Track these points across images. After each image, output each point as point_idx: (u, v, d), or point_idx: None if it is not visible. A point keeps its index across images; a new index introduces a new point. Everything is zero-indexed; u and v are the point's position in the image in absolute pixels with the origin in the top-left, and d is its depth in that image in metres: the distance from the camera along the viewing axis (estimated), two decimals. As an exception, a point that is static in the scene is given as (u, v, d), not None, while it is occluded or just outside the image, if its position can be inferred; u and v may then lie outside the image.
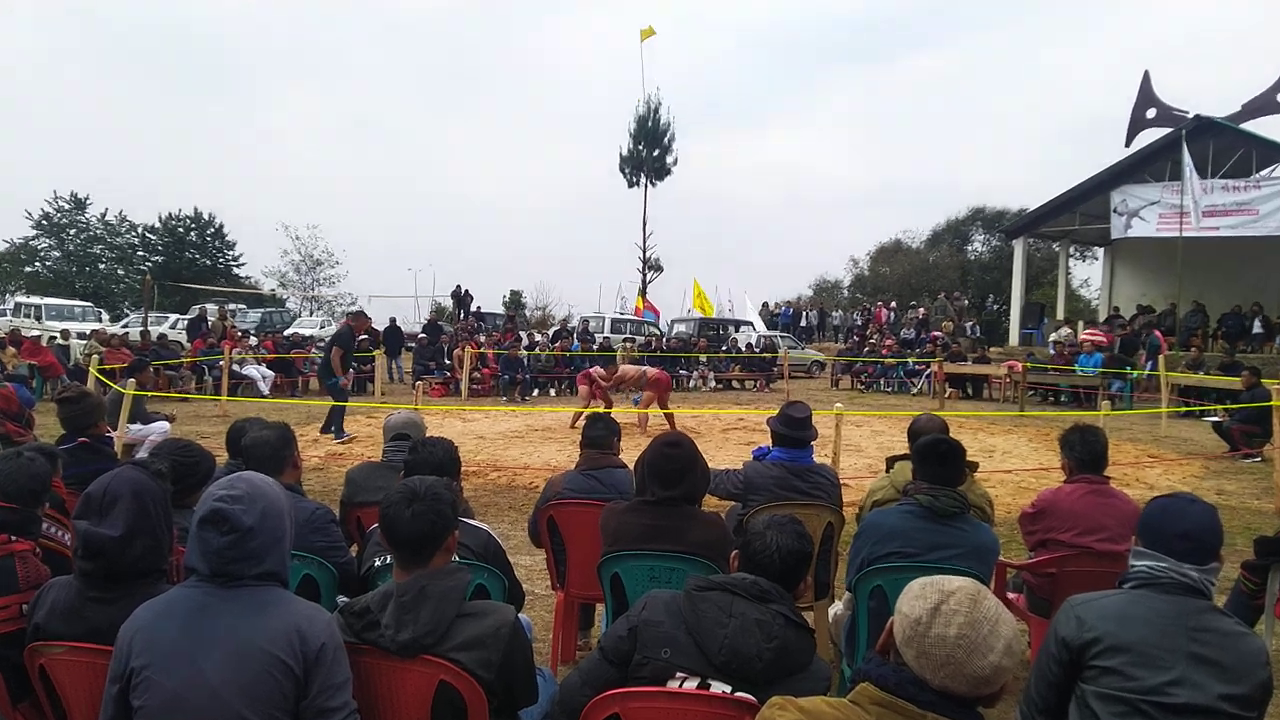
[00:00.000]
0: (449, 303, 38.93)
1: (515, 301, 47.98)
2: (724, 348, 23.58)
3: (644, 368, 12.31)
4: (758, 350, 22.68)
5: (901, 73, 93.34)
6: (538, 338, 22.58)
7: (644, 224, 45.61)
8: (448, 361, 18.96)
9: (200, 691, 1.98)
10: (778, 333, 27.91)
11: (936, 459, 3.22)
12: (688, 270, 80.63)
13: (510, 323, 26.14)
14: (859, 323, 31.46)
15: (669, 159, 45.31)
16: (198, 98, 74.36)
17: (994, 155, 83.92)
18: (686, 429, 12.02)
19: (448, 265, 78.40)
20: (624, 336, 25.46)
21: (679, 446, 3.15)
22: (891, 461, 4.06)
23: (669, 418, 12.07)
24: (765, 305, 34.69)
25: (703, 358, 21.55)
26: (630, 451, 10.14)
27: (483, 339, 22.15)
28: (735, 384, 21.91)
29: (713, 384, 20.77)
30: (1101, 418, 10.13)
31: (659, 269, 48.26)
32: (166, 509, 2.42)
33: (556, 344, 20.97)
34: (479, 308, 32.54)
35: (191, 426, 11.41)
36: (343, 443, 10.09)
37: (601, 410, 10.38)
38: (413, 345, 21.62)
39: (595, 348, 21.00)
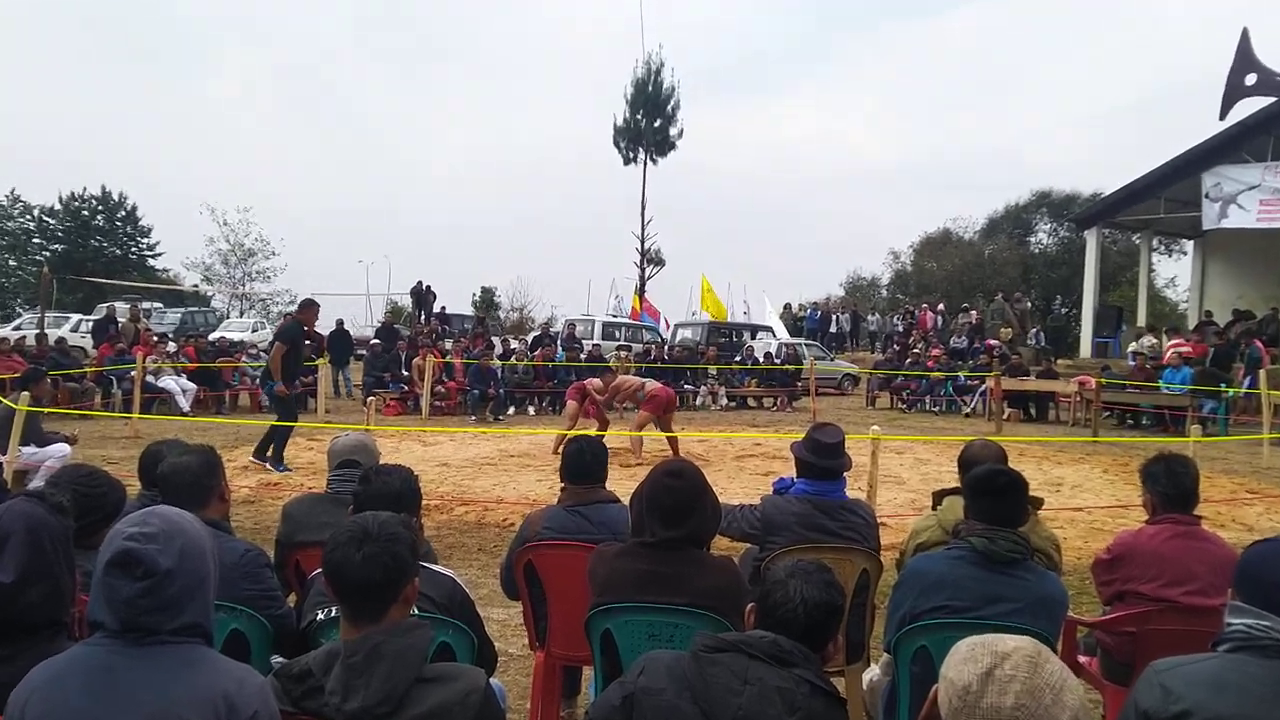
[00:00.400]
0: (407, 302, 39.05)
1: (487, 301, 48.14)
2: (738, 358, 23.61)
3: (644, 380, 12.32)
4: (778, 361, 22.75)
5: (949, 30, 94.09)
6: (514, 345, 22.60)
7: (643, 208, 45.88)
8: (405, 373, 18.98)
9: (106, 770, 1.97)
10: (802, 340, 28.04)
11: (993, 494, 3.23)
12: (694, 265, 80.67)
13: (481, 326, 26.25)
14: (900, 328, 31.60)
15: (672, 131, 45.52)
16: (109, 60, 74.80)
17: (1061, 129, 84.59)
18: (692, 456, 12.04)
19: (406, 257, 78.75)
20: (618, 344, 25.53)
21: (683, 477, 3.16)
22: (939, 497, 4.06)
23: (671, 442, 12.09)
24: (787, 307, 34.83)
25: (712, 370, 21.61)
26: (624, 483, 10.11)
27: (448, 346, 22.19)
28: (751, 402, 21.93)
29: (724, 401, 20.82)
30: (1191, 445, 10.16)
31: (660, 263, 48.45)
32: (67, 549, 2.42)
33: (537, 352, 21.02)
34: (443, 308, 32.63)
35: (97, 450, 11.39)
36: (280, 474, 10.04)
37: (590, 433, 10.39)
38: (363, 353, 21.67)
39: (583, 357, 21.05)
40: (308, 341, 10.87)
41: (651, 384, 12.27)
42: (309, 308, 10.90)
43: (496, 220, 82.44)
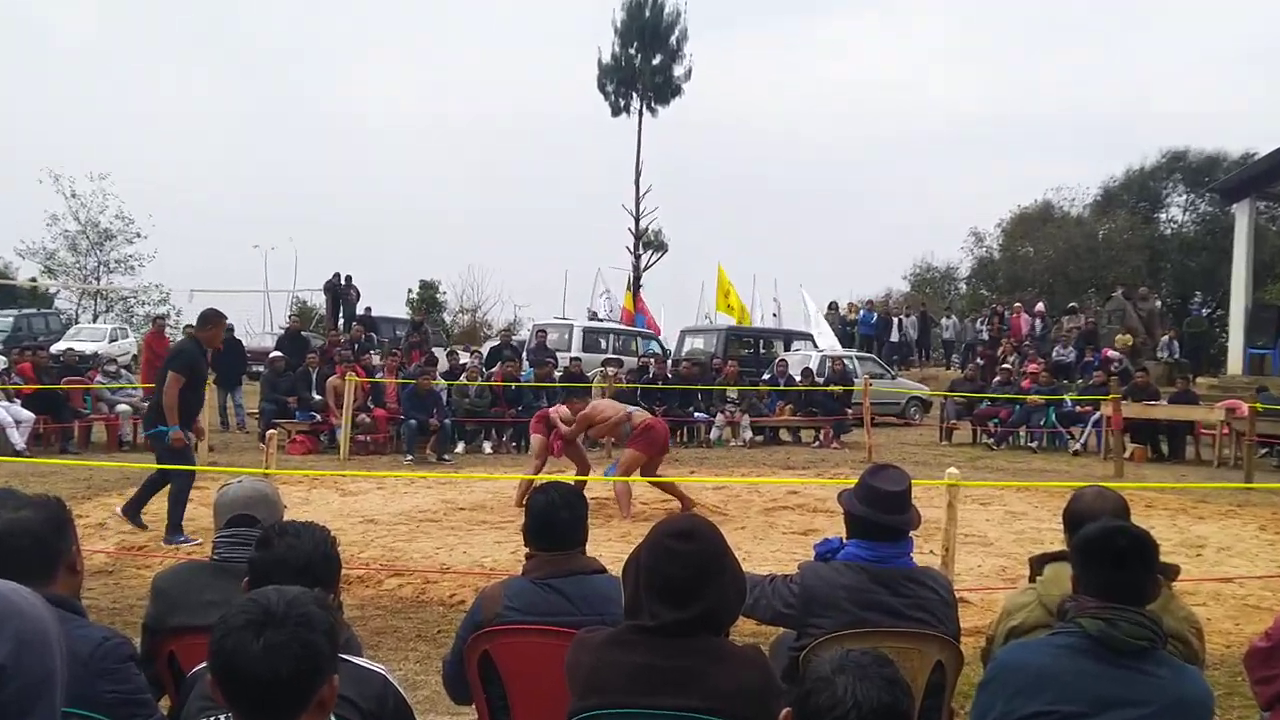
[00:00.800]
0: (320, 300, 39.10)
1: (427, 299, 48.29)
2: (766, 375, 23.68)
3: (628, 409, 12.20)
4: (821, 380, 22.83)
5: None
6: (464, 358, 22.62)
7: (637, 174, 46.28)
8: (317, 396, 19.02)
9: None
10: (854, 351, 28.13)
11: (1112, 560, 3.24)
12: (706, 251, 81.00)
13: (419, 334, 26.28)
14: (984, 335, 31.76)
15: (677, 70, 45.91)
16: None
17: (1202, 69, 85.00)
18: (705, 509, 12.06)
19: (320, 241, 78.93)
20: (605, 357, 25.58)
21: (694, 539, 3.16)
22: (1039, 563, 4.07)
23: (677, 493, 12.09)
24: (833, 308, 35.03)
25: (732, 392, 21.67)
26: (611, 545, 10.01)
27: (375, 360, 22.21)
28: (785, 435, 21.97)
29: (748, 435, 20.92)
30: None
31: (661, 248, 48.74)
32: None
33: (495, 369, 21.06)
34: (369, 309, 32.74)
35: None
36: (184, 546, 9.86)
37: (564, 478, 10.38)
38: (260, 370, 21.66)
39: (558, 375, 21.08)
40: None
41: (639, 413, 12.12)
42: (212, 323, 10.58)
43: (441, 192, 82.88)
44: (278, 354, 20.36)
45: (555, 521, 4.04)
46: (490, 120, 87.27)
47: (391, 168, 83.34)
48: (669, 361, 24.08)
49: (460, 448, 18.58)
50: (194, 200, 78.06)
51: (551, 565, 4.00)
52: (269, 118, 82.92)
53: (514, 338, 29.27)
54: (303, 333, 25.56)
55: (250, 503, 4.16)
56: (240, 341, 22.78)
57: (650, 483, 12.24)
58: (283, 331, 26.42)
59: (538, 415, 13.16)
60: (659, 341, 30.67)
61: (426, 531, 10.78)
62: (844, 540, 4.20)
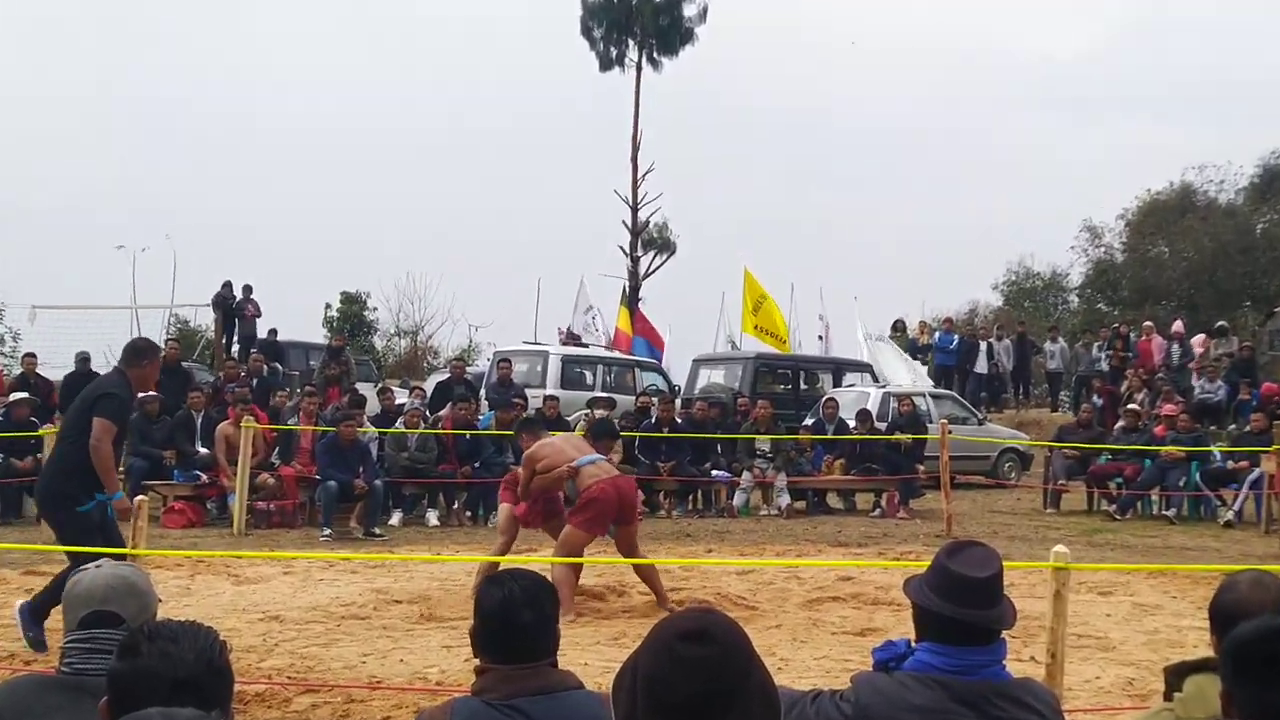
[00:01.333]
0: (207, 319, 38.95)
1: (352, 318, 48.25)
2: (809, 419, 23.68)
3: (578, 461, 11.88)
4: (884, 427, 22.82)
5: None
6: (403, 398, 22.60)
7: (634, 151, 46.20)
8: (203, 450, 19.00)
9: None
10: (925, 387, 28.09)
11: (1276, 672, 3.23)
12: (728, 253, 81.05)
13: (339, 364, 26.19)
14: (1104, 365, 31.72)
15: (688, 9, 46.12)
16: None
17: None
18: (725, 601, 12.03)
19: (206, 241, 78.91)
20: (591, 395, 25.55)
21: (709, 641, 3.11)
22: (1178, 675, 4.05)
23: (651, 583, 11.93)
24: (898, 328, 35.05)
25: (763, 443, 21.65)
26: (600, 650, 9.97)
27: (284, 399, 22.14)
28: (835, 500, 21.95)
29: (785, 500, 20.94)
30: None
31: (666, 247, 48.66)
32: None
33: (444, 411, 20.99)
34: (273, 331, 32.71)
35: None
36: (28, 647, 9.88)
37: (530, 560, 10.31)
38: (131, 413, 21.57)
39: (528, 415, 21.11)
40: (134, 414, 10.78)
41: (591, 471, 11.58)
42: (147, 357, 10.66)
43: (370, 177, 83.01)
44: (150, 393, 20.30)
45: (515, 625, 4.04)
46: (439, 81, 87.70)
47: (309, 138, 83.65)
48: (675, 399, 24.07)
49: (396, 518, 18.60)
50: (51, 189, 78.36)
51: (512, 682, 4.00)
52: (130, 69, 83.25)
53: (468, 369, 29.29)
54: (184, 363, 25.54)
55: (111, 595, 4.11)
56: (98, 374, 22.79)
57: (626, 563, 12.10)
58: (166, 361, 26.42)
59: (508, 478, 13.13)
60: (664, 374, 30.67)
61: (350, 632, 10.74)
62: (912, 643, 4.18)
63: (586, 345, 31.87)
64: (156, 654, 3.25)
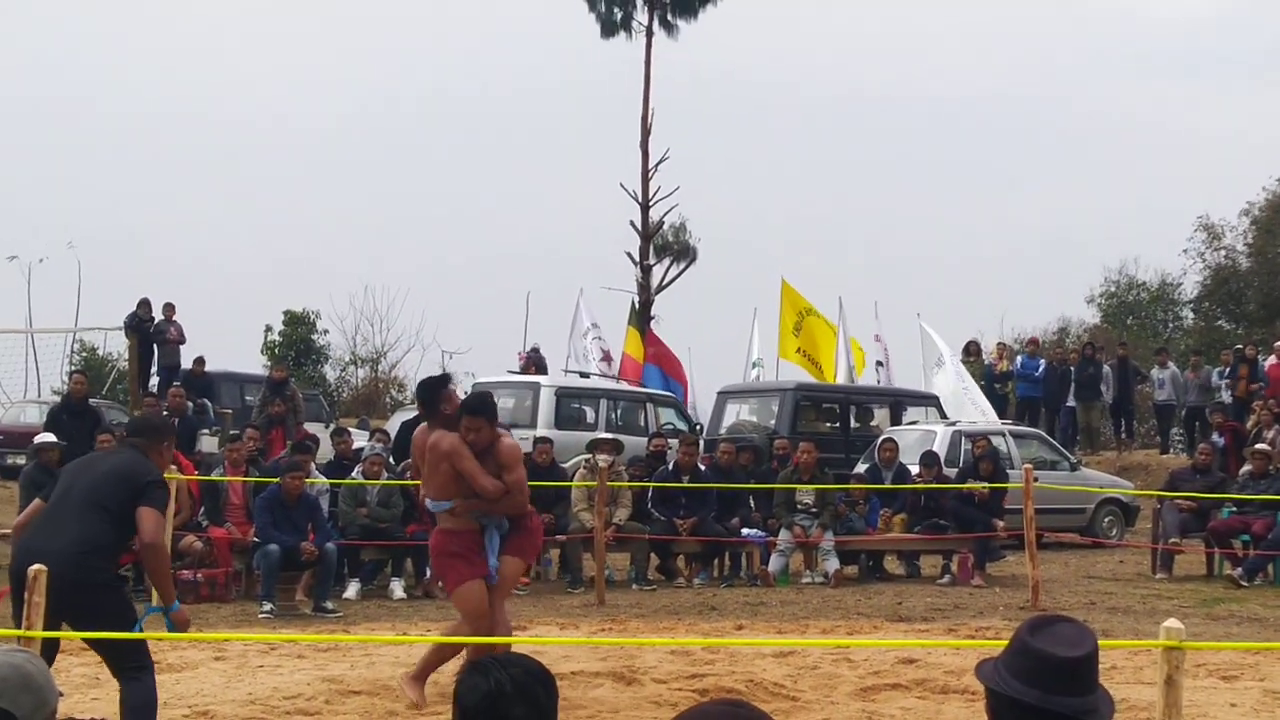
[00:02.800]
0: (118, 346, 38.94)
1: (297, 343, 48.32)
2: (862, 466, 23.62)
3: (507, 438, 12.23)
4: (953, 474, 22.78)
5: None
6: (362, 441, 22.63)
7: (644, 136, 46.15)
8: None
9: None
10: (1007, 424, 28.04)
11: None
12: (758, 260, 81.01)
13: (282, 400, 26.14)
14: (1225, 395, 31.68)
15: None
16: None
17: None
18: (763, 689, 12.03)
19: (119, 252, 79.06)
20: (592, 436, 25.54)
21: None
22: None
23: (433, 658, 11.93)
24: (972, 350, 34.92)
25: (806, 494, 21.60)
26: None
27: (211, 444, 22.18)
28: (894, 564, 21.89)
29: (834, 565, 20.92)
30: None
31: (684, 254, 48.49)
32: None
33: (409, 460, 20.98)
34: (200, 360, 32.65)
35: None
36: None
37: (513, 641, 10.39)
38: (19, 461, 21.62)
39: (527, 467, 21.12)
40: None
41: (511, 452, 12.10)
42: (166, 437, 10.93)
43: (321, 169, 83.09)
44: (47, 438, 20.36)
45: (501, 712, 4.04)
46: (394, 51, 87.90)
47: (238, 139, 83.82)
48: (698, 440, 23.98)
49: (353, 590, 18.63)
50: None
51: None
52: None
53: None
54: (91, 400, 25.58)
55: (1, 688, 4.13)
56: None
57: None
58: (58, 401, 26.47)
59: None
60: (681, 409, 30.65)
61: (296, 732, 10.73)
62: (990, 740, 4.20)
63: (587, 375, 31.84)
64: None
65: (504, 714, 4.01)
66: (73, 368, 35.23)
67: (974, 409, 29.09)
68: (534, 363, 34.57)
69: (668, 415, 29.04)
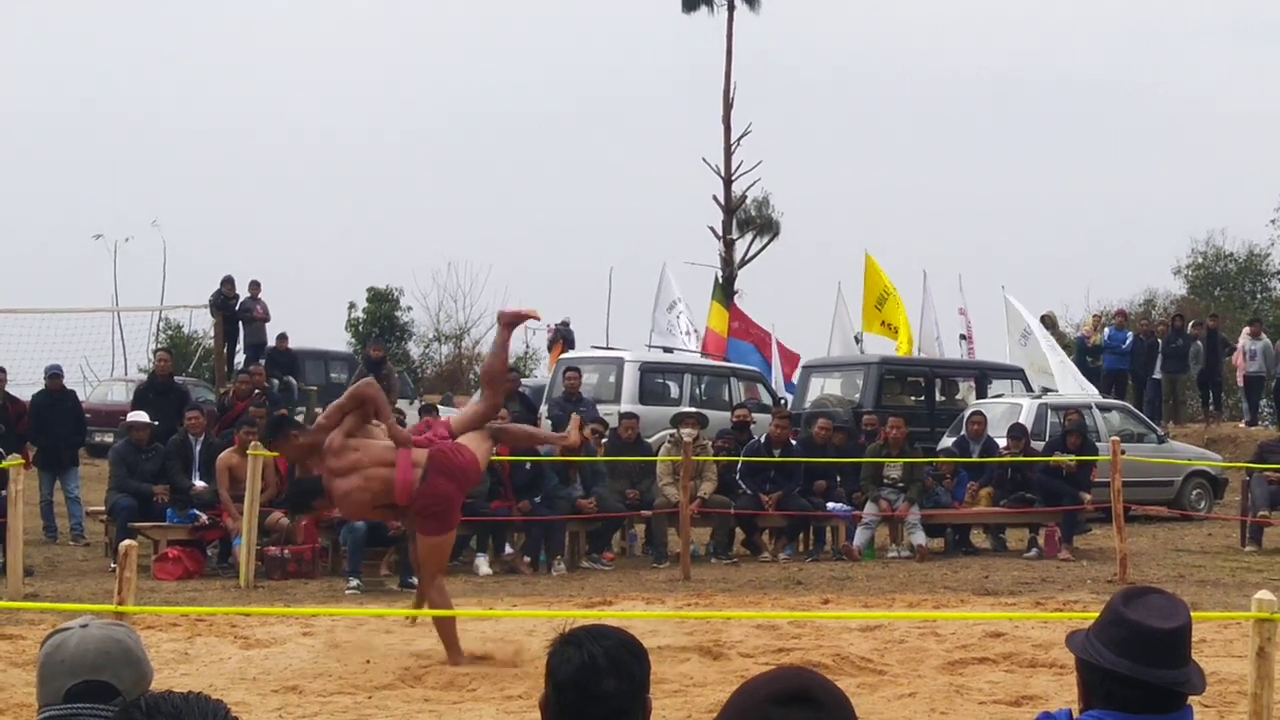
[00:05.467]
0: (204, 324, 39.11)
1: (380, 320, 48.39)
2: (950, 440, 23.53)
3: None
4: (1041, 448, 22.65)
5: None
6: (447, 411, 22.63)
7: (727, 110, 46.07)
8: (201, 484, 19.12)
9: None
10: (1093, 397, 27.84)
11: None
12: (842, 233, 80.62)
13: (381, 378, 26.12)
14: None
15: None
16: None
17: None
18: (850, 663, 12.01)
19: (201, 226, 79.53)
20: (676, 410, 25.50)
21: (810, 705, 3.08)
22: None
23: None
24: (1049, 320, 34.55)
25: (893, 469, 21.49)
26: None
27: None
28: (983, 538, 21.78)
29: (920, 540, 20.89)
30: None
31: (767, 228, 48.32)
32: None
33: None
34: (284, 337, 32.69)
35: None
36: None
37: (603, 616, 10.41)
38: (107, 440, 21.71)
39: (603, 443, 21.12)
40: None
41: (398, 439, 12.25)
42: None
43: (403, 148, 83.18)
44: (139, 416, 20.46)
45: (597, 695, 4.01)
46: (476, 31, 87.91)
47: (321, 117, 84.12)
48: (786, 414, 23.82)
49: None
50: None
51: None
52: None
53: (527, 381, 29.33)
54: (177, 378, 25.69)
55: (104, 661, 4.11)
56: (73, 393, 22.97)
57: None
58: (146, 378, 26.57)
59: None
60: (765, 383, 30.55)
61: (384, 706, 10.77)
62: (1075, 714, 4.19)
63: (672, 350, 31.74)
64: None
65: (597, 686, 3.98)
66: (158, 346, 35.38)
67: (1074, 381, 28.93)
68: (562, 336, 34.53)
69: (751, 386, 29.02)
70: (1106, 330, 34.58)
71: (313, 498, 12.63)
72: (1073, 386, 28.19)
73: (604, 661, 4.02)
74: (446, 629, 11.96)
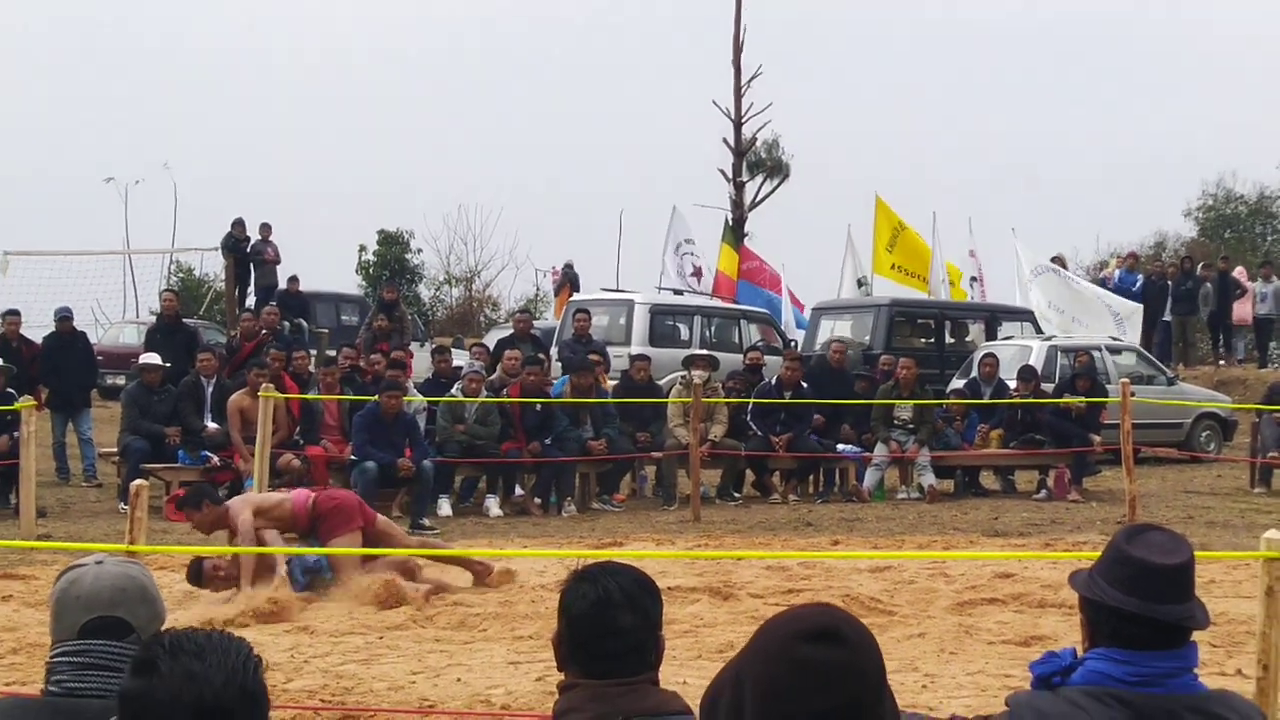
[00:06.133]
0: (215, 266, 39.10)
1: (391, 261, 48.37)
2: (960, 382, 23.54)
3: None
4: (1050, 389, 22.61)
5: None
6: (459, 359, 22.63)
7: (737, 51, 45.94)
8: (213, 425, 19.16)
9: None
10: (1103, 338, 27.82)
11: None
12: (851, 176, 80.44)
13: (392, 320, 26.06)
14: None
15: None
16: None
17: None
18: (859, 603, 12.02)
19: (212, 168, 79.42)
20: (687, 353, 25.49)
21: (840, 642, 3.06)
22: None
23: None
24: (1059, 262, 34.42)
25: (903, 410, 21.48)
26: (702, 666, 10.01)
27: (308, 365, 22.21)
28: (992, 480, 21.81)
29: (930, 480, 20.98)
30: None
31: (777, 171, 48.29)
32: None
33: (513, 380, 20.81)
34: (294, 280, 32.65)
35: None
36: None
37: (615, 555, 10.49)
38: (119, 381, 21.67)
39: (613, 386, 21.12)
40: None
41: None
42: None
43: (411, 88, 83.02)
44: (151, 358, 20.47)
45: (612, 630, 4.04)
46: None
47: (328, 56, 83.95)
48: (797, 356, 23.73)
49: (446, 507, 18.81)
50: (4, 114, 79.03)
51: (605, 701, 4.00)
52: None
53: (536, 322, 29.31)
54: (183, 321, 25.63)
55: (119, 598, 4.13)
56: (84, 335, 22.96)
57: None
58: (154, 319, 26.53)
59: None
60: (775, 324, 30.51)
61: (395, 645, 10.84)
62: (1084, 650, 4.19)
63: (682, 292, 31.67)
64: (180, 673, 3.16)
65: (611, 621, 4.02)
66: (164, 288, 35.37)
67: (1075, 319, 28.91)
68: (569, 279, 34.49)
69: (764, 327, 29.04)
70: (1117, 273, 34.51)
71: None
72: (1104, 321, 28.20)
73: (619, 596, 4.06)
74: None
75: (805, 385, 21.79)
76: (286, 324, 26.75)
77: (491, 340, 27.15)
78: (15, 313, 22.13)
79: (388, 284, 33.64)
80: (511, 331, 25.14)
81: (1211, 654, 5.73)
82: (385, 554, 12.78)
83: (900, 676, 8.51)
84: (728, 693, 3.05)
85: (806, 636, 3.00)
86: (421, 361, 23.63)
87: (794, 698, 2.99)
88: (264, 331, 23.39)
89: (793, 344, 28.35)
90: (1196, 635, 4.12)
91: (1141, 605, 4.02)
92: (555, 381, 21.38)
